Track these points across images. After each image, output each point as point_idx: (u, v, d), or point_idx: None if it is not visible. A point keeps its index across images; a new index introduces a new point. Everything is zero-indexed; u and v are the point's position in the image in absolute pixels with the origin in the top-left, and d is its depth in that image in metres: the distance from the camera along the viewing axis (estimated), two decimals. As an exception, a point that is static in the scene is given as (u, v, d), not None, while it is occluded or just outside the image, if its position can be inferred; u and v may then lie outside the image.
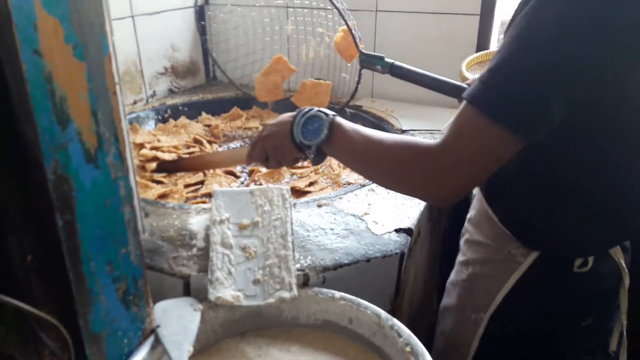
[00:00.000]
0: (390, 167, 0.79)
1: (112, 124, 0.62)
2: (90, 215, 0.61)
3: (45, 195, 0.56)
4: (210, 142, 1.58)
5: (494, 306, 0.89)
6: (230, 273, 0.84)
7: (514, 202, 0.86)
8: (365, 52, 1.35)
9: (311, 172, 1.39)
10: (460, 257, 0.98)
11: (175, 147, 1.48)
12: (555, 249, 0.84)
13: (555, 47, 0.62)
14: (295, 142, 0.89)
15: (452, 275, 1.00)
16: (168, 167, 1.21)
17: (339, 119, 0.86)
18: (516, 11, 0.72)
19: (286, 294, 0.82)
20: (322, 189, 1.29)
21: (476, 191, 0.96)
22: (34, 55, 0.51)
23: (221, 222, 0.91)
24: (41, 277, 0.60)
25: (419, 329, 1.06)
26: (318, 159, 0.91)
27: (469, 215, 0.99)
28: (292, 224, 0.91)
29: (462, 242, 0.99)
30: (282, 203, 0.95)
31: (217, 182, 1.29)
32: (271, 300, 0.82)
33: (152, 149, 1.44)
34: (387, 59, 1.27)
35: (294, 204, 1.09)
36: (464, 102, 0.69)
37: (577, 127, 0.72)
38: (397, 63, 1.25)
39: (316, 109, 0.88)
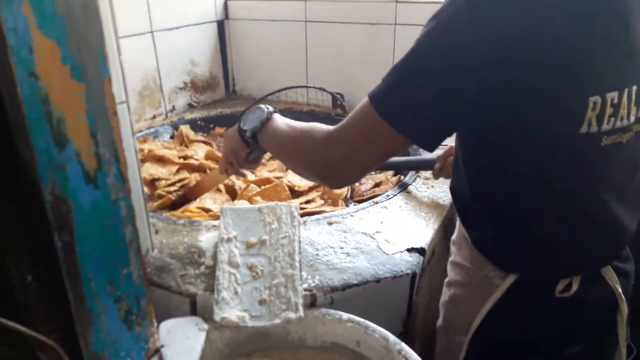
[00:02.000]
0: (293, 153, 0.88)
1: (112, 145, 0.61)
2: (89, 236, 0.60)
3: (44, 216, 0.56)
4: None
5: (472, 330, 0.85)
6: (236, 293, 0.83)
7: (480, 223, 0.84)
8: None
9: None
10: (446, 278, 0.96)
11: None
12: (530, 270, 0.81)
13: (431, 63, 0.69)
14: (241, 133, 0.98)
15: (441, 296, 0.98)
16: (179, 203, 1.30)
17: (278, 114, 0.96)
18: (425, 25, 0.73)
19: (292, 315, 0.81)
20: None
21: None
22: (30, 77, 0.51)
23: (229, 240, 0.90)
24: (41, 297, 0.60)
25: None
26: (255, 153, 1.02)
27: (452, 237, 0.96)
28: (299, 242, 0.90)
29: (448, 262, 0.97)
30: (291, 221, 0.94)
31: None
32: (277, 321, 0.80)
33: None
34: None
35: (304, 221, 1.07)
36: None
37: (510, 144, 0.72)
38: None
39: (263, 105, 0.98)
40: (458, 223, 0.92)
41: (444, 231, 1.13)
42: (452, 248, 0.95)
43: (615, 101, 0.69)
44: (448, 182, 1.27)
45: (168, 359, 0.74)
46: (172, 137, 1.73)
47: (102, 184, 0.60)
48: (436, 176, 1.21)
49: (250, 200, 1.29)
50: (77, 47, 0.55)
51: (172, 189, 1.36)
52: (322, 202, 1.32)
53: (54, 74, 0.53)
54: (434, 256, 1.06)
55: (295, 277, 0.85)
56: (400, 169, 1.38)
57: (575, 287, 0.79)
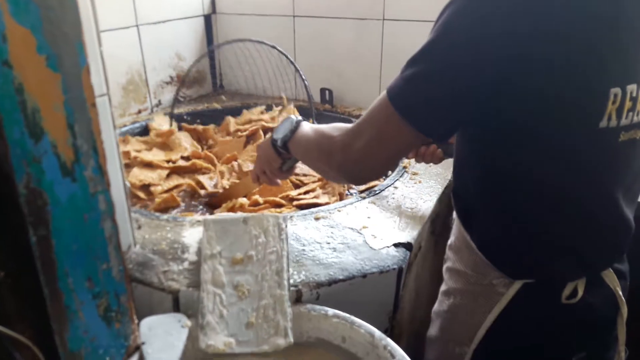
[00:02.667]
0: (316, 156, 0.88)
1: (90, 137, 0.60)
2: (66, 230, 0.59)
3: (18, 210, 0.54)
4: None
5: (477, 340, 0.82)
6: (222, 316, 0.80)
7: (486, 226, 0.81)
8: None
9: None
10: (442, 286, 0.92)
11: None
12: (537, 274, 0.78)
13: (449, 56, 0.68)
14: (273, 144, 0.99)
15: (436, 305, 0.94)
16: (215, 203, 1.32)
17: (306, 122, 0.97)
18: (440, 14, 0.70)
19: (281, 341, 0.78)
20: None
21: (455, 215, 0.90)
22: (3, 66, 0.49)
23: (212, 256, 0.86)
24: (15, 293, 0.58)
25: (424, 345, 1.03)
26: (288, 163, 1.03)
27: (449, 242, 0.92)
28: (288, 257, 0.86)
29: (444, 269, 0.93)
30: (278, 234, 0.89)
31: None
32: (265, 347, 0.78)
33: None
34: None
35: (291, 217, 1.06)
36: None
37: (521, 143, 0.71)
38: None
39: (292, 115, 1.01)
40: (456, 227, 0.88)
41: (431, 226, 1.12)
42: (449, 254, 0.91)
43: (634, 94, 0.68)
44: (435, 177, 1.27)
45: (149, 356, 0.72)
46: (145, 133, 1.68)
47: (79, 177, 0.59)
48: (417, 160, 1.16)
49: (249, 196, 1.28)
50: (52, 35, 0.53)
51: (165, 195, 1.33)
52: (321, 192, 1.31)
53: (29, 63, 0.52)
54: (420, 251, 1.06)
55: (283, 298, 0.82)
56: None
57: (580, 292, 0.77)
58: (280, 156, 1.00)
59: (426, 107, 0.70)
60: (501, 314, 0.80)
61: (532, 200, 0.74)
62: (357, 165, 0.79)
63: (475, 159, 0.78)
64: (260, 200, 1.26)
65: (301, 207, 1.24)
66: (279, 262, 0.85)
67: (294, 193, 1.27)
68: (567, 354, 0.82)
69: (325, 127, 0.87)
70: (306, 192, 1.29)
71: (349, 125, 0.81)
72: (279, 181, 1.12)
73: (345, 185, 1.35)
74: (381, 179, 1.31)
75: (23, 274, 0.57)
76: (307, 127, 0.94)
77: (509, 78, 0.65)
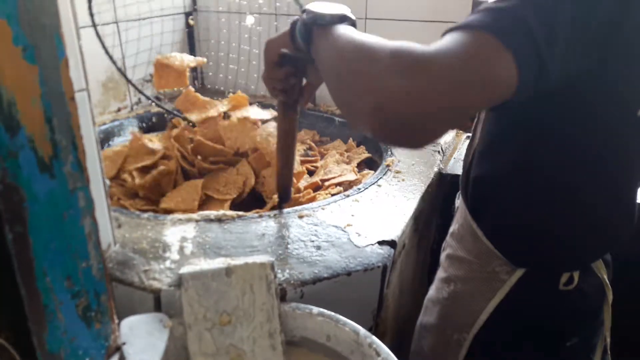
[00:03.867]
0: (350, 69, 0.58)
1: (70, 131, 0.58)
2: (44, 227, 0.57)
3: (-7, 207, 0.52)
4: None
5: (477, 326, 0.84)
6: None
7: (502, 214, 0.82)
8: None
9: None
10: (441, 274, 0.93)
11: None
12: (542, 264, 0.81)
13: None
14: (292, 33, 0.79)
15: (432, 292, 0.95)
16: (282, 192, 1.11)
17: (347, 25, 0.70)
18: None
19: None
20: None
21: (460, 204, 0.91)
22: (-23, 57, 0.47)
23: (196, 321, 0.77)
24: (-9, 293, 0.57)
25: (409, 343, 1.03)
26: (297, 75, 0.86)
27: (451, 229, 0.94)
28: (280, 316, 0.79)
29: (442, 257, 0.95)
30: (267, 288, 0.79)
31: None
32: None
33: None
34: None
35: (274, 215, 1.05)
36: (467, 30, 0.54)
37: (564, 124, 0.70)
38: None
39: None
40: (461, 215, 0.89)
41: (415, 223, 1.12)
42: (451, 241, 0.92)
43: None
44: (418, 176, 1.27)
45: (130, 356, 0.71)
46: (144, 131, 1.66)
47: (58, 173, 0.57)
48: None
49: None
50: (29, 26, 0.52)
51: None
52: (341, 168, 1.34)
53: (4, 55, 0.50)
54: (404, 248, 1.06)
55: None
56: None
57: (576, 279, 0.79)
58: (295, 45, 0.80)
59: (530, 38, 0.53)
60: (503, 301, 0.82)
61: (559, 190, 0.75)
62: (417, 103, 0.51)
63: (510, 146, 0.76)
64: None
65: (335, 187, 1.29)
66: (270, 323, 0.79)
67: (317, 179, 1.28)
68: (562, 340, 0.84)
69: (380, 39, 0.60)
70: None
71: (416, 45, 0.54)
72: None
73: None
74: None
75: (-1, 272, 0.56)
76: (351, 29, 0.68)
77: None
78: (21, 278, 0.56)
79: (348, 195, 1.15)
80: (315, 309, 0.81)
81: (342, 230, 1.00)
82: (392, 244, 0.96)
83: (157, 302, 0.82)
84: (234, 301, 0.78)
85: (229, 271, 0.78)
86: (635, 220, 0.81)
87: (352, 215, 1.06)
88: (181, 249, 0.92)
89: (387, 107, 0.52)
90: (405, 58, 0.53)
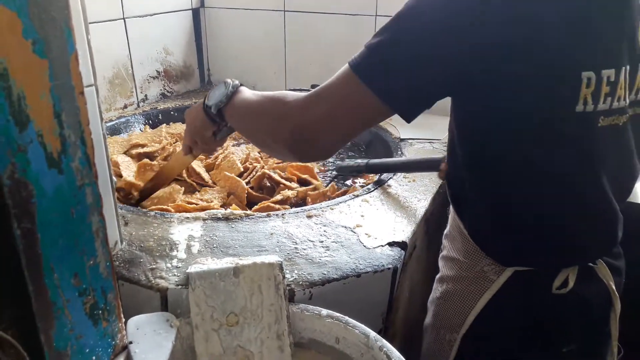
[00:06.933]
0: (260, 122, 0.82)
1: (78, 126, 0.57)
2: (53, 223, 0.56)
3: (1, 202, 0.51)
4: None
5: (465, 327, 0.83)
6: None
7: (476, 212, 0.81)
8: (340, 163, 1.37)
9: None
10: (437, 275, 0.93)
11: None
12: (528, 262, 0.78)
13: (419, 36, 0.67)
14: (206, 110, 0.93)
15: (431, 294, 0.94)
16: (147, 193, 1.22)
17: (245, 87, 0.90)
18: None
19: None
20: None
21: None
22: (-13, 49, 0.46)
23: (204, 322, 0.75)
24: (-3, 290, 0.56)
25: (418, 347, 1.01)
26: (223, 132, 0.98)
27: (445, 231, 0.93)
28: (288, 317, 0.78)
29: (439, 258, 0.94)
30: (275, 289, 0.78)
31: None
32: None
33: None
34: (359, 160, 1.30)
35: (282, 214, 1.04)
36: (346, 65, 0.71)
37: (500, 124, 0.70)
38: (372, 161, 1.27)
39: (228, 79, 0.92)
40: (451, 215, 0.89)
41: (425, 225, 1.11)
42: (445, 242, 0.91)
43: (612, 79, 0.67)
44: (428, 177, 1.25)
45: (136, 356, 0.70)
46: (150, 127, 1.66)
47: (66, 168, 0.56)
48: (443, 177, 1.13)
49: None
50: (39, 20, 0.51)
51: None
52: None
53: (14, 48, 0.49)
54: (415, 251, 1.04)
55: None
56: (403, 171, 1.26)
57: (571, 283, 0.77)
58: (214, 123, 0.95)
59: (389, 73, 0.68)
60: (491, 301, 0.80)
61: (517, 184, 0.74)
62: (313, 134, 0.74)
63: (464, 144, 0.77)
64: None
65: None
66: (278, 324, 0.77)
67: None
68: (558, 345, 0.82)
69: (272, 93, 0.82)
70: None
71: (302, 93, 0.76)
72: (218, 149, 1.10)
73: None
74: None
75: (6, 269, 0.55)
76: (249, 93, 0.88)
77: (484, 46, 0.64)
78: (29, 274, 0.55)
79: (357, 196, 1.14)
80: (324, 311, 0.80)
81: (352, 230, 0.99)
82: (402, 245, 0.95)
83: (164, 301, 0.81)
84: (242, 301, 0.77)
85: (237, 271, 0.77)
86: (620, 217, 0.79)
87: (362, 216, 1.05)
88: (188, 248, 0.91)
89: (292, 147, 0.75)
90: (298, 117, 0.75)
